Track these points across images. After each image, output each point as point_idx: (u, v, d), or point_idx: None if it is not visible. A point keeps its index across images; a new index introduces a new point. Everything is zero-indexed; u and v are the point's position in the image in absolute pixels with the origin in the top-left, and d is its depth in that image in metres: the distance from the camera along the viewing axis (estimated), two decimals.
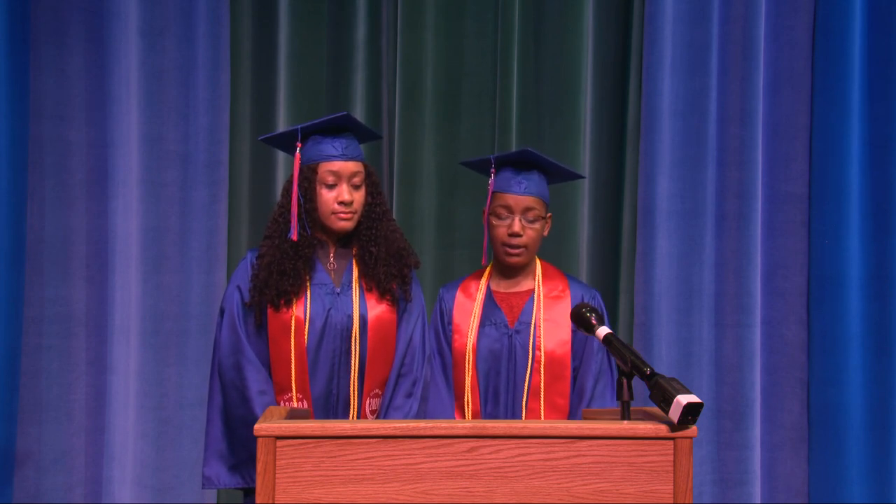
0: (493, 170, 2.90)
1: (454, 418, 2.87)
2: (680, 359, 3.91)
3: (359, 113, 3.93)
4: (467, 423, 2.15)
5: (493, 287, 2.95)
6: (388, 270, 2.83)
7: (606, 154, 4.03)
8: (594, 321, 2.39)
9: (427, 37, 3.98)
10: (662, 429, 2.13)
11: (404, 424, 2.14)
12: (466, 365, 2.87)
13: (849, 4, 3.90)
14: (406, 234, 2.97)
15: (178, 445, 3.84)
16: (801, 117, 3.98)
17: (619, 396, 2.25)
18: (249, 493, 2.80)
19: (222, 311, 2.84)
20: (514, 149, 3.93)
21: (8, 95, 3.58)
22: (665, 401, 2.12)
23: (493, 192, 2.89)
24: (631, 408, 2.25)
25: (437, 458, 2.10)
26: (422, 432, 2.11)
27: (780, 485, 3.96)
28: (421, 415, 2.84)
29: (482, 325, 2.89)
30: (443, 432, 2.11)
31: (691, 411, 2.10)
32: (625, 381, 2.24)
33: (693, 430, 2.13)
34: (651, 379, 2.17)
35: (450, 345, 2.92)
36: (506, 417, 2.84)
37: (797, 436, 3.95)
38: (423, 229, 3.94)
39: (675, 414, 2.10)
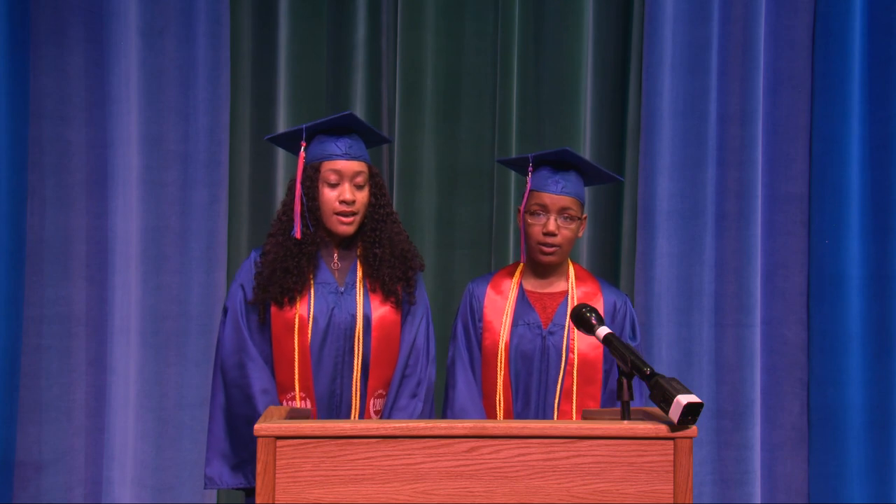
0: (530, 168, 2.88)
1: (483, 413, 2.86)
2: (680, 359, 3.91)
3: (359, 113, 3.93)
4: (467, 423, 2.15)
5: (526, 286, 2.93)
6: (393, 273, 2.83)
7: (606, 154, 4.03)
8: (594, 321, 2.39)
9: (427, 37, 3.97)
10: (662, 429, 2.13)
11: (404, 424, 2.14)
12: (499, 363, 2.85)
13: (849, 5, 3.90)
14: (407, 234, 2.97)
15: (178, 445, 3.84)
16: (801, 117, 3.98)
17: (619, 396, 2.25)
18: (251, 493, 2.80)
19: (225, 310, 2.84)
20: (514, 149, 3.94)
21: (8, 95, 3.58)
22: (665, 401, 2.12)
23: (529, 191, 2.88)
24: (631, 408, 2.25)
25: (437, 458, 2.10)
26: (422, 432, 2.11)
27: (780, 485, 3.96)
28: (425, 416, 2.84)
29: (515, 324, 2.87)
30: (443, 432, 2.11)
31: (691, 411, 2.10)
32: (625, 381, 2.24)
33: (693, 430, 2.13)
34: (651, 379, 2.17)
35: (479, 341, 2.90)
36: (536, 418, 2.82)
37: (797, 436, 3.95)
38: (423, 229, 3.94)
39: (675, 414, 2.10)
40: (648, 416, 2.22)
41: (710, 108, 3.93)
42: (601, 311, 2.85)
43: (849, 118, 3.90)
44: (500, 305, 2.90)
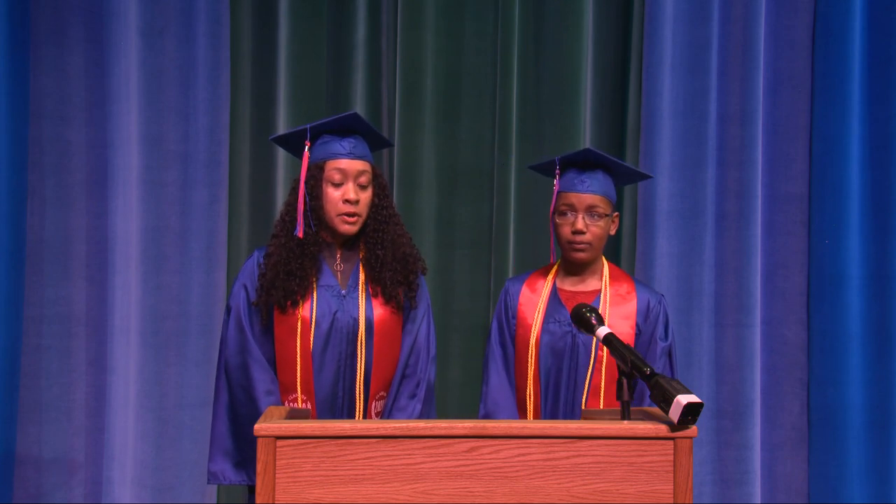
0: (557, 171, 2.92)
1: (514, 408, 2.89)
2: (680, 359, 3.90)
3: (359, 113, 3.92)
4: (467, 423, 2.15)
5: (559, 285, 2.96)
6: (394, 277, 2.83)
7: None
8: (594, 321, 2.39)
9: (427, 37, 3.97)
10: (662, 429, 2.13)
11: (404, 424, 2.14)
12: (529, 359, 2.88)
13: (849, 5, 3.90)
14: None
15: (178, 445, 3.84)
16: (801, 117, 3.98)
17: (619, 396, 2.25)
18: (254, 491, 2.80)
19: (229, 310, 2.83)
20: (514, 149, 3.95)
21: (8, 95, 3.58)
22: (665, 401, 2.12)
23: (557, 193, 2.91)
24: (631, 408, 2.25)
25: (437, 458, 2.10)
26: (422, 432, 2.11)
27: (780, 485, 3.96)
28: (424, 416, 2.84)
29: (546, 321, 2.90)
30: (443, 432, 2.11)
31: (691, 411, 2.10)
32: (625, 381, 2.24)
33: (693, 430, 2.13)
34: (651, 379, 2.17)
35: (513, 337, 2.93)
36: (564, 414, 2.85)
37: (797, 436, 3.95)
38: (423, 229, 3.94)
39: (675, 414, 2.10)
40: (648, 416, 2.22)
41: (710, 108, 3.93)
42: (634, 310, 2.88)
43: (849, 118, 3.90)
44: (532, 303, 2.93)
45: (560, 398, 2.87)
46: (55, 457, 3.75)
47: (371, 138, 2.90)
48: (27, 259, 3.70)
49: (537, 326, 2.90)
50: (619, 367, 2.25)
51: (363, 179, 2.82)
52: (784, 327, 3.97)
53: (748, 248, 3.92)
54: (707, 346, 3.93)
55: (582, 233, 2.86)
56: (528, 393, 2.87)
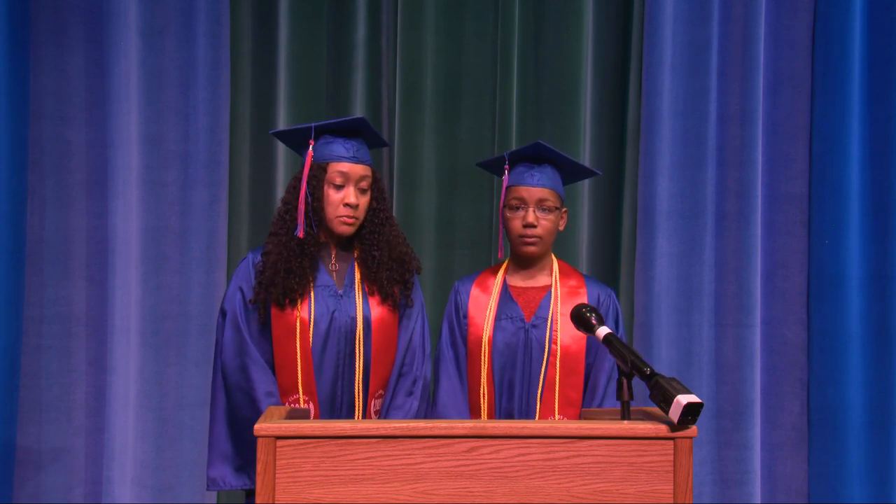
0: (507, 166, 2.93)
1: (465, 410, 2.89)
2: (680, 359, 3.91)
3: (359, 113, 3.93)
4: (467, 423, 2.16)
5: (510, 281, 2.98)
6: (391, 275, 2.85)
7: (606, 154, 4.03)
8: (594, 321, 2.39)
9: (427, 37, 3.98)
10: (662, 429, 2.13)
11: (404, 424, 2.14)
12: (482, 357, 2.89)
13: (849, 5, 3.90)
14: (406, 234, 2.98)
15: (178, 445, 3.84)
16: (801, 117, 3.98)
17: (619, 396, 2.25)
18: (252, 493, 2.80)
19: (224, 313, 2.84)
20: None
21: (8, 95, 3.58)
22: (665, 401, 2.12)
23: (507, 187, 2.93)
24: (631, 408, 2.25)
25: (437, 458, 2.10)
26: (422, 432, 2.11)
27: (780, 485, 3.96)
28: (421, 413, 2.86)
29: (498, 318, 2.91)
30: (443, 432, 2.11)
31: (691, 411, 2.10)
32: (625, 381, 2.24)
33: (693, 430, 2.13)
34: (651, 379, 2.17)
35: (464, 337, 2.94)
36: (520, 410, 2.86)
37: (797, 436, 3.95)
38: (423, 229, 3.94)
39: (675, 414, 2.10)
40: (648, 416, 2.22)
41: (710, 108, 3.93)
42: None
43: (849, 118, 3.90)
44: (483, 301, 2.95)
45: (515, 394, 2.88)
46: (55, 457, 3.75)
47: (372, 141, 2.91)
48: (27, 259, 3.70)
49: (489, 324, 2.91)
50: (619, 367, 2.25)
51: (364, 184, 2.84)
52: (784, 327, 3.97)
53: (748, 248, 3.92)
54: (707, 346, 3.93)
55: (533, 226, 2.88)
56: (481, 392, 2.88)
